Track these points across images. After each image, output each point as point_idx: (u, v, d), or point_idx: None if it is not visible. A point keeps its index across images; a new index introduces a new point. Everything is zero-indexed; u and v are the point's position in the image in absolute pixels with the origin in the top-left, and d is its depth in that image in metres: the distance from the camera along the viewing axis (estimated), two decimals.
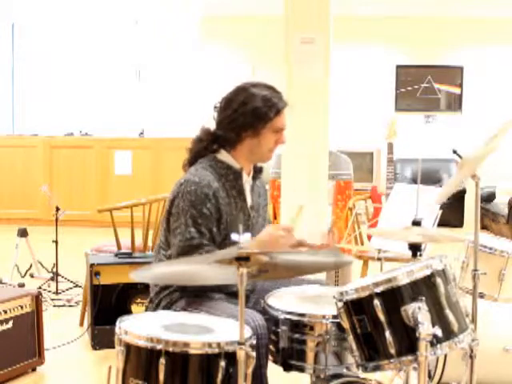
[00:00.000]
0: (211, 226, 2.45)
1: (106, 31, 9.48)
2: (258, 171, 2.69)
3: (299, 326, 2.26)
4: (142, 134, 8.82)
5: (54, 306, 4.81)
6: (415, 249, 2.40)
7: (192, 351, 1.95)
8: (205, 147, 2.58)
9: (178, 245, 2.45)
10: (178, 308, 2.45)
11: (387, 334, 1.96)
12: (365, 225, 4.94)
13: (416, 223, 2.40)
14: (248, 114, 2.51)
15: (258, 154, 2.59)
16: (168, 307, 2.49)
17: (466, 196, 8.68)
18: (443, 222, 4.28)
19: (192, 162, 2.61)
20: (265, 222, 2.75)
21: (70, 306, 4.82)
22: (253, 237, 2.57)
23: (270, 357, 2.35)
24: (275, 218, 4.98)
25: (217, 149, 2.58)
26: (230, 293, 2.48)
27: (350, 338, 2.05)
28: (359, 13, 8.94)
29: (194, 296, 2.47)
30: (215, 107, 2.61)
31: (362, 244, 4.69)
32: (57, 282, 5.14)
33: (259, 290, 2.65)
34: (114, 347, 2.05)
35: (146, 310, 2.61)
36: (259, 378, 2.26)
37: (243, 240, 1.87)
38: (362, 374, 2.17)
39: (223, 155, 2.58)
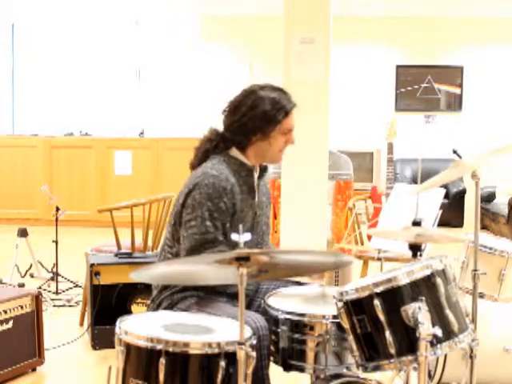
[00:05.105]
0: (226, 221, 2.44)
1: (106, 31, 9.48)
2: (263, 170, 2.68)
3: (299, 326, 2.26)
4: (142, 134, 8.83)
5: (54, 306, 4.81)
6: (415, 249, 2.40)
7: (192, 351, 1.95)
8: (215, 146, 2.57)
9: (191, 237, 2.42)
10: (180, 310, 2.44)
11: (387, 334, 1.96)
12: (365, 225, 4.94)
13: (416, 223, 2.40)
14: (257, 118, 2.50)
15: (269, 156, 2.60)
16: (169, 309, 2.47)
17: (466, 196, 8.68)
18: (443, 222, 4.29)
19: (202, 160, 2.57)
20: (268, 221, 2.75)
21: (70, 306, 4.82)
22: (255, 234, 2.58)
23: (271, 357, 2.35)
24: (275, 218, 4.97)
25: (229, 146, 2.57)
26: (231, 294, 2.47)
27: (350, 337, 2.05)
28: (359, 13, 8.93)
29: (196, 298, 2.46)
30: (223, 111, 2.60)
31: (362, 244, 4.69)
32: (57, 282, 5.14)
33: (259, 290, 2.65)
34: (114, 347, 2.05)
35: (148, 310, 2.60)
36: (261, 379, 2.25)
37: (243, 239, 1.87)
38: (362, 374, 2.16)
39: (235, 152, 2.57)
